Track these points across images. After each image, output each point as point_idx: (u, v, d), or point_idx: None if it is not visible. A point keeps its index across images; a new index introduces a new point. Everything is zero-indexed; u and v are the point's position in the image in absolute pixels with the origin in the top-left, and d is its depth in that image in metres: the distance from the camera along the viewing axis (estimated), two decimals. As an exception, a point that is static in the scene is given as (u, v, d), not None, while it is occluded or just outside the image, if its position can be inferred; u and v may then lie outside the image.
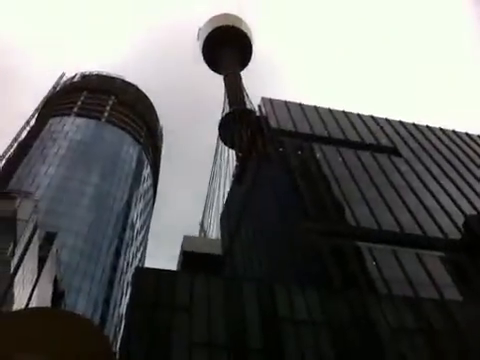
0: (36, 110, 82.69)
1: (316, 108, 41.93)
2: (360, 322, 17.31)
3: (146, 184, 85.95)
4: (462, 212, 30.49)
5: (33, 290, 33.74)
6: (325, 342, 16.02)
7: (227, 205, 51.55)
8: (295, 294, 17.72)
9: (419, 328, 17.89)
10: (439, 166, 35.90)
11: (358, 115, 42.37)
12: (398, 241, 26.37)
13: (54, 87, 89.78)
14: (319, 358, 15.37)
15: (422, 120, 43.96)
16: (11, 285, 27.79)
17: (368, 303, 18.28)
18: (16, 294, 29.22)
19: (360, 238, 26.01)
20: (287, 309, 17.01)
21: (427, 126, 42.99)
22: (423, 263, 25.04)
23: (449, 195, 32.12)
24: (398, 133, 40.11)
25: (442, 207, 30.59)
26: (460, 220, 29.85)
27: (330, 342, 16.09)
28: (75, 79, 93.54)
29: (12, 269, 28.18)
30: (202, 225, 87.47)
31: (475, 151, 39.72)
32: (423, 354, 16.73)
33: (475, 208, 31.16)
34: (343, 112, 42.23)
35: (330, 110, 42.25)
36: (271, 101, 41.37)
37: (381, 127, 40.70)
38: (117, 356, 14.19)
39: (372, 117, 42.44)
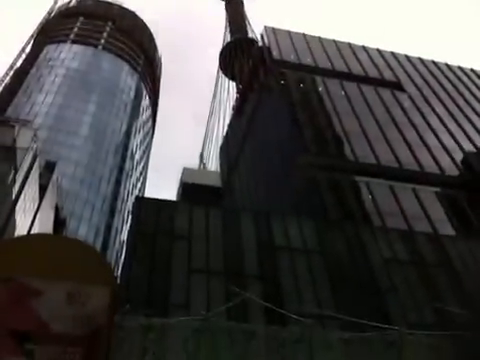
0: (31, 36, 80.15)
1: (320, 39, 40.70)
2: (354, 253, 17.86)
3: (145, 115, 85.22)
4: (462, 149, 30.52)
5: (34, 217, 34.40)
6: (319, 270, 16.62)
7: (227, 137, 51.42)
8: (291, 224, 18.16)
9: (411, 260, 18.47)
10: (442, 103, 35.44)
11: (363, 47, 41.22)
12: (395, 176, 26.60)
13: (49, 12, 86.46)
14: (313, 285, 16.02)
15: (428, 55, 42.92)
16: (13, 212, 28.28)
17: (362, 235, 18.76)
18: (18, 221, 29.81)
19: (358, 173, 26.21)
20: (283, 238, 17.51)
21: (432, 61, 41.93)
22: (419, 198, 25.42)
23: (450, 133, 31.99)
24: (403, 67, 39.20)
25: (442, 144, 30.56)
26: (459, 157, 29.95)
27: (324, 270, 16.70)
28: (71, 4, 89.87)
29: (13, 196, 28.55)
30: (202, 157, 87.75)
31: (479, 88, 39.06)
32: (414, 285, 17.39)
33: (475, 146, 31.16)
34: (348, 44, 41.04)
35: (334, 41, 41.04)
36: (274, 31, 40.05)
37: (386, 60, 39.71)
38: (118, 281, 14.72)
39: (377, 50, 41.32)
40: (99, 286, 13.80)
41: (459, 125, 33.11)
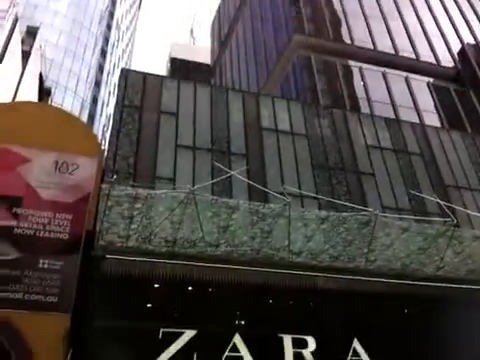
0: None
1: None
2: (339, 138, 18.09)
3: (132, -19, 78.98)
4: (461, 40, 29.53)
5: (19, 85, 33.47)
6: (303, 152, 16.96)
7: (219, 12, 48.59)
8: (280, 107, 18.07)
9: (393, 148, 18.85)
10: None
11: None
12: (390, 63, 26.00)
13: None
14: (295, 166, 16.43)
15: None
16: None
17: (349, 121, 18.86)
18: (1, 88, 29.03)
19: (353, 57, 25.49)
20: (270, 120, 17.54)
21: None
22: (410, 87, 25.18)
23: (452, 21, 30.64)
24: None
25: (442, 33, 29.45)
26: (457, 48, 29.09)
27: (307, 153, 17.05)
28: None
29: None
30: (192, 33, 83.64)
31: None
32: (393, 171, 17.97)
33: (475, 38, 30.12)
34: None
35: None
36: None
37: None
38: (105, 153, 14.82)
39: None
40: (86, 156, 14.04)
41: (462, 14, 31.64)
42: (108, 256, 12.38)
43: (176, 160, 15.01)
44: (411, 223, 14.10)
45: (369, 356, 13.01)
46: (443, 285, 15.10)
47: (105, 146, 15.68)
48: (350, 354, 12.91)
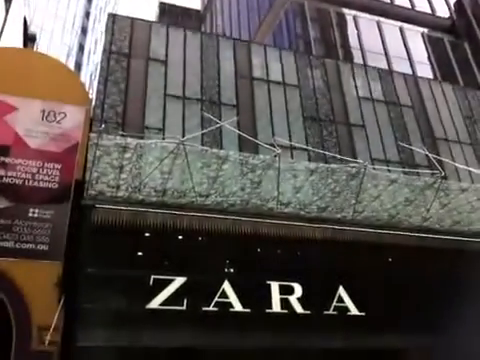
0: None
1: None
2: (331, 89, 17.90)
3: None
4: (458, -11, 28.78)
5: (2, 29, 32.26)
6: (294, 103, 16.80)
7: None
8: (271, 56, 17.70)
9: (385, 100, 18.73)
10: None
11: None
12: (385, 12, 25.38)
13: None
14: (286, 117, 16.31)
15: None
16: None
17: (342, 72, 18.59)
18: (-16, 32, 27.94)
19: (347, 5, 24.81)
20: (262, 70, 17.23)
21: None
22: (404, 38, 24.72)
23: (451, -33, 29.70)
24: None
25: (439, -20, 28.62)
26: (454, -2, 28.42)
27: (299, 104, 16.90)
28: None
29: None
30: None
31: None
32: (383, 123, 17.94)
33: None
34: None
35: None
36: None
37: None
38: (93, 102, 14.55)
39: None
40: (73, 105, 13.80)
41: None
42: (98, 205, 12.46)
43: (165, 110, 14.81)
44: (399, 175, 14.25)
45: (353, 302, 13.50)
46: (428, 236, 15.51)
47: (93, 95, 15.38)
48: (335, 300, 13.38)
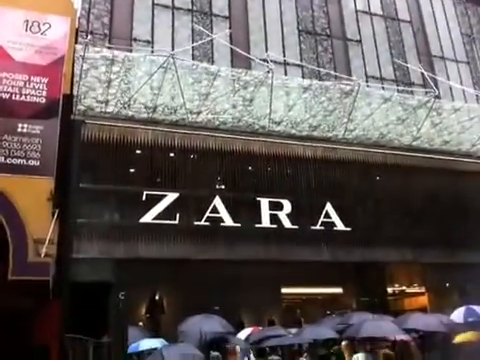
0: None
1: None
2: (328, 0, 17.06)
3: None
4: None
5: None
6: (290, 15, 16.01)
7: None
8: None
9: (383, 14, 17.99)
10: None
11: None
12: None
13: None
14: (282, 30, 15.63)
15: None
16: None
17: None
18: None
19: None
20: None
21: None
22: None
23: None
24: None
25: None
26: None
27: (295, 16, 16.13)
28: None
29: None
30: None
31: None
32: (380, 39, 17.37)
33: None
34: None
35: None
36: None
37: None
38: (78, 13, 13.75)
39: None
40: (58, 15, 13.10)
41: None
42: (88, 121, 12.30)
43: (154, 21, 14.11)
44: (393, 93, 14.09)
45: (340, 218, 13.93)
46: (417, 155, 15.69)
47: (78, 4, 14.51)
48: (322, 216, 13.79)
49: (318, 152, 14.62)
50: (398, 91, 15.21)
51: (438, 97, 14.61)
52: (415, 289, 17.71)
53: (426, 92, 14.79)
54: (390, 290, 16.76)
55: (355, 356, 8.41)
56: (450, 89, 17.61)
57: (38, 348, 9.84)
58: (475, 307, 11.80)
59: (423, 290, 17.51)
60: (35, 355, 9.63)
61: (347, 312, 13.70)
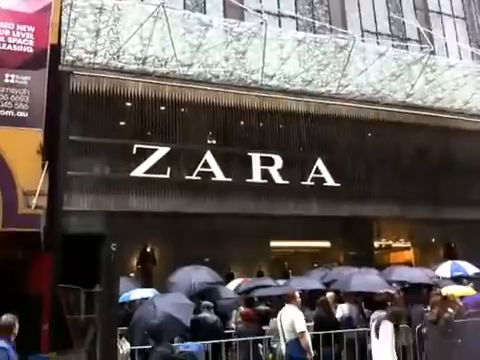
0: None
1: None
2: None
3: None
4: None
5: None
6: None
7: None
8: None
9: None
10: None
11: None
12: None
13: None
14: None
15: None
16: None
17: None
18: None
19: None
20: None
21: None
22: None
23: None
24: None
25: None
26: None
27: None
28: None
29: None
30: None
31: None
32: None
33: None
34: None
35: None
36: None
37: None
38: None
39: None
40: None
41: None
42: (76, 72, 12.03)
43: (144, -32, 13.56)
44: (388, 48, 13.89)
45: (330, 174, 14.02)
46: (409, 112, 15.64)
47: None
48: (313, 171, 13.87)
49: (311, 107, 14.50)
50: (393, 46, 14.98)
51: (433, 53, 14.43)
52: (401, 244, 18.16)
53: (421, 48, 14.57)
54: (377, 244, 17.15)
55: (339, 306, 8.68)
56: (445, 45, 17.38)
57: (31, 299, 10.03)
58: (461, 262, 12.11)
59: (409, 245, 17.97)
60: (28, 305, 9.82)
61: (334, 265, 14.06)
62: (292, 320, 6.41)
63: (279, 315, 6.82)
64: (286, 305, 6.75)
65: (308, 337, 6.37)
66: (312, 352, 6.44)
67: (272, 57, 12.90)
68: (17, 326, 5.63)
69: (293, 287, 8.10)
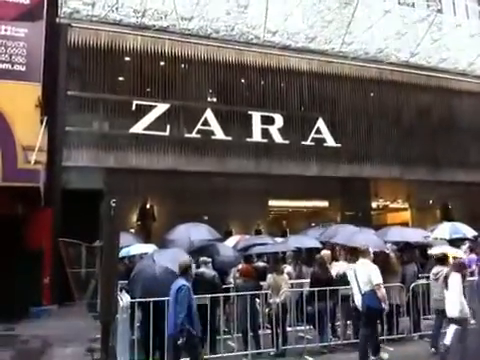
0: None
1: None
2: None
3: None
4: None
5: None
6: None
7: None
8: None
9: None
10: None
11: None
12: None
13: None
14: None
15: None
16: None
17: None
18: None
19: None
20: None
21: None
22: None
23: None
24: None
25: None
26: None
27: None
28: None
29: None
30: None
31: None
32: None
33: None
34: None
35: None
36: None
37: None
38: None
39: None
40: None
41: None
42: (74, 24, 11.74)
43: None
44: (394, 5, 13.51)
45: (331, 134, 13.94)
46: (413, 72, 15.39)
47: None
48: (313, 131, 13.78)
49: (313, 65, 14.24)
50: (399, 3, 14.57)
51: (440, 11, 14.05)
52: (399, 205, 18.27)
53: (428, 6, 14.18)
54: (374, 205, 17.26)
55: (334, 263, 8.80)
56: (453, 4, 16.88)
57: (32, 252, 10.19)
58: (459, 224, 12.16)
59: (406, 206, 18.08)
60: (29, 258, 9.98)
61: (331, 224, 14.17)
62: (368, 273, 6.57)
63: (353, 268, 6.95)
64: (360, 259, 6.88)
65: (383, 289, 6.57)
66: (387, 302, 6.66)
67: (275, 12, 12.57)
68: (193, 266, 6.00)
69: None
